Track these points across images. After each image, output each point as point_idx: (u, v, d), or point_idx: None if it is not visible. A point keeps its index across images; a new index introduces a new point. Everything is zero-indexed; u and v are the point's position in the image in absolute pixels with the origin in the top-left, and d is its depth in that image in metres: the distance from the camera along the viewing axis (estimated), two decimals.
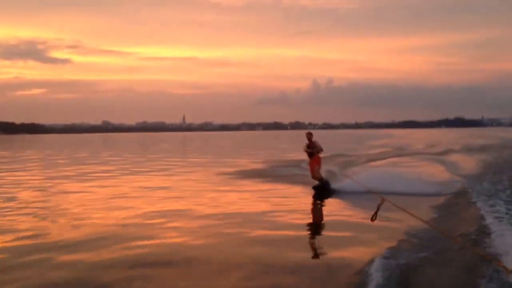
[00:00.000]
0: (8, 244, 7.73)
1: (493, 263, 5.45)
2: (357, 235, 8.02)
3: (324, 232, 8.90)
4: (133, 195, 13.12)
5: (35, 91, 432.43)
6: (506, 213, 8.65)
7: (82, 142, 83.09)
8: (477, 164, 19.25)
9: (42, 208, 11.15)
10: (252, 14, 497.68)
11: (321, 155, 13.66)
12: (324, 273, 6.14)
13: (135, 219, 9.59)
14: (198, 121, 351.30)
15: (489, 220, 8.16)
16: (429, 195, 11.72)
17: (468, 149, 30.89)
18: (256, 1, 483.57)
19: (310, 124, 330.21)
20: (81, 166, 24.81)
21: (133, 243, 7.53)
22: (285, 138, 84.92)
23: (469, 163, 19.95)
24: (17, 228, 8.90)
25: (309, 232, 8.92)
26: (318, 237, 8.50)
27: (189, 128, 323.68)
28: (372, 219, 5.91)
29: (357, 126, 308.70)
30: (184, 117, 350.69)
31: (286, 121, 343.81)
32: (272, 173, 18.63)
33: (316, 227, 9.48)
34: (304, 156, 14.28)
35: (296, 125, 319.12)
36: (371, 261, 6.15)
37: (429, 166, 19.97)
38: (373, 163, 21.84)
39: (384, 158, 25.29)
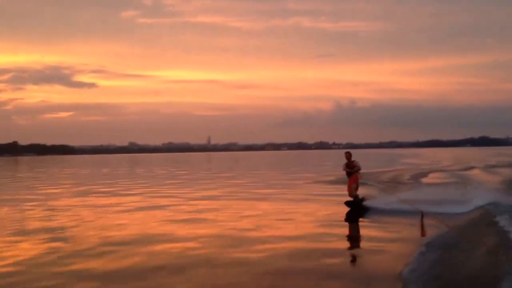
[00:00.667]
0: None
1: None
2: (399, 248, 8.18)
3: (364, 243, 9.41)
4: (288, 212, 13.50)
5: (62, 114, 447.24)
6: None
7: (135, 161, 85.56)
8: (505, 181, 20.35)
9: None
10: (273, 38, 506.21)
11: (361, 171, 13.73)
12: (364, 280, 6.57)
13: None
14: (222, 141, 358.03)
15: None
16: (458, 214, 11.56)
17: (498, 166, 32.81)
18: (276, 25, 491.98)
19: (334, 143, 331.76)
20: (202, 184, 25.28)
21: None
22: (322, 157, 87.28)
23: (496, 180, 21.14)
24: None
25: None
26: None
27: (214, 148, 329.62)
28: (423, 234, 5.96)
29: (381, 145, 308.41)
30: (209, 138, 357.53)
31: (310, 141, 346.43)
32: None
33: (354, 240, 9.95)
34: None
35: (321, 145, 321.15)
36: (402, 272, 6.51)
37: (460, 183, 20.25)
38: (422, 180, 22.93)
39: (425, 175, 26.55)
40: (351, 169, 13.44)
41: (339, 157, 79.04)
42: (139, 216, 12.94)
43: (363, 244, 9.34)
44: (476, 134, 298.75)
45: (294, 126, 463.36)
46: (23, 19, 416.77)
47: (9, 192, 22.39)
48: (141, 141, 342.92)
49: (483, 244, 7.88)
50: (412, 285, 5.88)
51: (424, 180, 23.57)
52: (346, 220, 12.06)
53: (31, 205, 15.81)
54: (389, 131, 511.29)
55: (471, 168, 32.65)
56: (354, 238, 10.07)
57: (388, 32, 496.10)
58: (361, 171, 13.68)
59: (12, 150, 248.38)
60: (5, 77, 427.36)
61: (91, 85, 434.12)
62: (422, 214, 6.07)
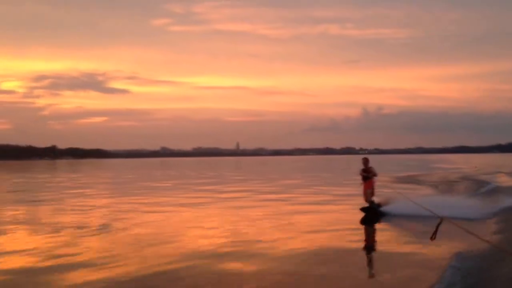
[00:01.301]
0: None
1: None
2: (417, 253, 8.37)
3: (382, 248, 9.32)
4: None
5: (97, 119, 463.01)
6: None
7: (174, 165, 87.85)
8: None
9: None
10: (300, 45, 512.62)
11: (377, 177, 13.86)
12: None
13: None
14: (251, 146, 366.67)
15: None
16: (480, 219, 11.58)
17: None
18: (304, 32, 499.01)
19: (361, 149, 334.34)
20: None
21: None
22: (352, 162, 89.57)
23: None
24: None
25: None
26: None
27: (243, 153, 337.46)
28: (432, 238, 5.60)
29: (408, 151, 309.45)
30: (238, 143, 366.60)
31: (337, 146, 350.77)
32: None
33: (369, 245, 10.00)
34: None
35: (347, 151, 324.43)
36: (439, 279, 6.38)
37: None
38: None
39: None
40: (367, 174, 13.66)
41: (355, 162, 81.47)
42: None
43: (378, 249, 9.51)
44: (503, 140, 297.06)
45: (321, 132, 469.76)
46: (61, 28, 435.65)
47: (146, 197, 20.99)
48: (172, 146, 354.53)
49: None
50: None
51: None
52: (361, 225, 12.37)
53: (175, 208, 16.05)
54: (416, 137, 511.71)
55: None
56: (369, 244, 10.21)
57: (415, 38, 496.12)
58: (376, 177, 13.85)
59: (51, 153, 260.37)
60: (43, 83, 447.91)
61: (124, 91, 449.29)
62: (441, 220, 5.75)
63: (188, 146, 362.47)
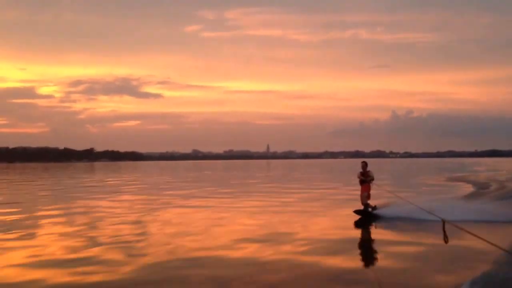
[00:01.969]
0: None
1: None
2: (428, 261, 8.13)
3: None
4: None
5: (130, 122, 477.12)
6: None
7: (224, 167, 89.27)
8: None
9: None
10: (330, 49, 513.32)
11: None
12: None
13: None
14: (281, 149, 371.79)
15: None
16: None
17: None
18: (334, 37, 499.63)
19: (391, 152, 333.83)
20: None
21: None
22: (401, 164, 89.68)
23: None
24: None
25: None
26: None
27: (273, 156, 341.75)
28: (446, 241, 5.39)
29: (438, 155, 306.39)
30: (268, 146, 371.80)
31: (366, 150, 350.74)
32: None
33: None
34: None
35: (377, 154, 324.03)
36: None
37: None
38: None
39: None
40: (365, 178, 13.77)
41: (399, 165, 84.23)
42: None
43: (373, 250, 9.60)
44: None
45: (350, 135, 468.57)
46: (97, 35, 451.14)
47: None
48: (203, 149, 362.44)
49: None
50: None
51: None
52: (355, 228, 12.38)
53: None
54: (447, 141, 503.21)
55: None
56: (364, 245, 10.26)
57: (445, 42, 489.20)
58: (374, 181, 13.86)
59: (89, 156, 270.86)
60: (80, 88, 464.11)
61: (157, 96, 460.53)
62: (443, 222, 5.53)
63: (219, 149, 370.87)
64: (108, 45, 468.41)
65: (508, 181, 24.75)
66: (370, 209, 13.65)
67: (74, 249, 9.36)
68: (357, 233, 12.00)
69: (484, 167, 61.51)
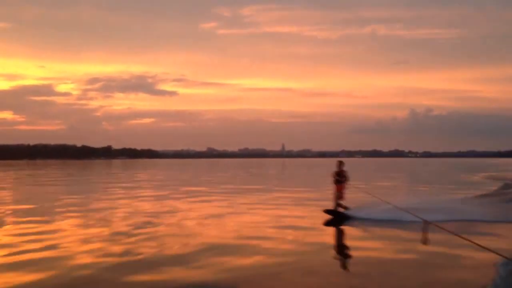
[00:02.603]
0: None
1: None
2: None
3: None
4: None
5: (146, 120, 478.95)
6: None
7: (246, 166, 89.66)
8: None
9: None
10: (348, 46, 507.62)
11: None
12: None
13: None
14: (296, 148, 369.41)
15: None
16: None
17: None
18: (351, 33, 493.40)
19: (410, 152, 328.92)
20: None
21: None
22: (422, 165, 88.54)
23: None
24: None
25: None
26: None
27: (289, 155, 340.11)
28: (424, 243, 5.25)
29: (459, 155, 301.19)
30: (283, 145, 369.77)
31: (384, 149, 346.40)
32: None
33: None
34: None
35: (396, 153, 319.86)
36: None
37: None
38: None
39: None
40: (340, 178, 13.58)
41: (417, 165, 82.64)
42: None
43: (331, 252, 9.47)
44: None
45: (368, 134, 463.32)
46: (113, 33, 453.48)
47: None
48: (218, 147, 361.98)
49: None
50: None
51: None
52: (325, 227, 12.24)
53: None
54: (467, 140, 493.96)
55: None
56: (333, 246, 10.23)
57: (466, 38, 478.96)
58: (348, 181, 13.61)
59: (106, 153, 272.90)
60: (96, 85, 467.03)
61: (172, 93, 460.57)
62: (425, 223, 5.44)
63: (234, 147, 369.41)
64: (125, 42, 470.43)
65: None
66: (341, 209, 13.44)
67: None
68: (321, 234, 11.48)
69: None
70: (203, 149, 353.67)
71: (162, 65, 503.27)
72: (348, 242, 10.50)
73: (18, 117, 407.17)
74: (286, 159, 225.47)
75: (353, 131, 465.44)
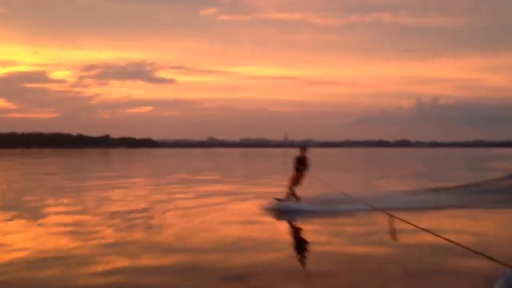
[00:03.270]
0: None
1: None
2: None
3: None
4: None
5: (144, 109, 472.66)
6: None
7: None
8: None
9: None
10: (351, 34, 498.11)
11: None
12: None
13: None
14: (299, 138, 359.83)
15: None
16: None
17: None
18: (355, 20, 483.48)
19: (417, 142, 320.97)
20: None
21: None
22: (434, 156, 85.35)
23: None
24: None
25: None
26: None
27: (291, 144, 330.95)
28: (394, 238, 5.12)
29: (467, 144, 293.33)
30: (286, 134, 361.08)
31: (390, 139, 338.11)
32: None
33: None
34: None
35: (402, 143, 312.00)
36: None
37: None
38: None
39: None
40: (300, 165, 12.85)
41: (427, 156, 78.20)
42: None
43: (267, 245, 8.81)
44: None
45: (372, 124, 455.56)
46: (110, 19, 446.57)
47: None
48: (219, 136, 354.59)
49: None
50: None
51: None
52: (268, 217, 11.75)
53: None
54: (475, 130, 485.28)
55: None
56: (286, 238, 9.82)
57: (474, 26, 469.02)
58: (308, 171, 12.97)
59: (104, 142, 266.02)
60: (92, 73, 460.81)
61: (171, 81, 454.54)
62: (390, 216, 5.13)
63: (235, 137, 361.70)
64: (122, 29, 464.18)
65: None
66: (291, 200, 12.74)
67: None
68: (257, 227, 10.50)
69: None
70: (204, 138, 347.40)
71: (160, 52, 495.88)
72: (287, 235, 10.22)
73: (10, 105, 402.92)
74: (288, 149, 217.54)
75: (357, 121, 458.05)
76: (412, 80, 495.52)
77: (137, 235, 9.46)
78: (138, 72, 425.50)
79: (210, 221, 11.21)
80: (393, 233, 5.07)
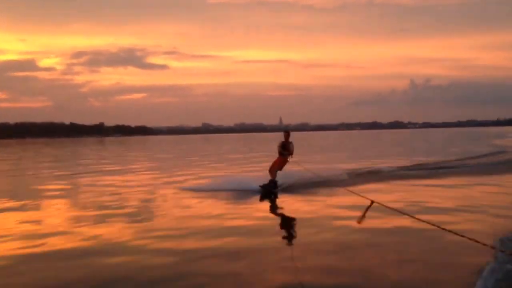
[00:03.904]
0: None
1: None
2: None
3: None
4: None
5: (136, 95, 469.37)
6: None
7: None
8: None
9: None
10: (345, 14, 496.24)
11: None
12: None
13: None
14: (294, 122, 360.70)
15: None
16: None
17: None
18: (349, 1, 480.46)
19: (410, 123, 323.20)
20: None
21: None
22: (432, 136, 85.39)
23: None
24: None
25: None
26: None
27: (287, 128, 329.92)
28: (359, 222, 5.08)
29: (459, 124, 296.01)
30: (281, 118, 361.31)
31: (383, 120, 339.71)
32: None
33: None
34: None
35: (396, 125, 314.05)
36: None
37: None
38: None
39: None
40: (284, 150, 12.78)
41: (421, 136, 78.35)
42: None
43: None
44: None
45: (367, 106, 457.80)
46: (100, 4, 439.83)
47: None
48: (213, 122, 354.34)
49: None
50: None
51: None
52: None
53: None
54: (468, 110, 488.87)
55: None
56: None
57: (467, 5, 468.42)
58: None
59: (98, 131, 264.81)
60: (82, 59, 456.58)
61: (163, 67, 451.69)
62: (372, 202, 4.96)
63: (230, 122, 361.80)
64: (112, 13, 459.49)
65: None
66: (273, 185, 12.52)
67: None
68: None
69: None
70: (198, 124, 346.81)
71: (151, 37, 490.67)
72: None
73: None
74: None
75: (352, 104, 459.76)
76: (406, 60, 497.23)
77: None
78: (129, 58, 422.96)
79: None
80: (362, 216, 5.01)
